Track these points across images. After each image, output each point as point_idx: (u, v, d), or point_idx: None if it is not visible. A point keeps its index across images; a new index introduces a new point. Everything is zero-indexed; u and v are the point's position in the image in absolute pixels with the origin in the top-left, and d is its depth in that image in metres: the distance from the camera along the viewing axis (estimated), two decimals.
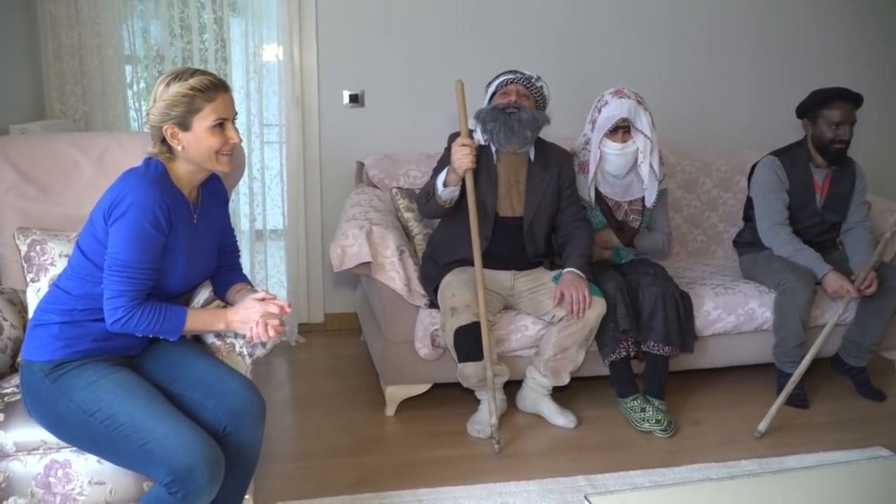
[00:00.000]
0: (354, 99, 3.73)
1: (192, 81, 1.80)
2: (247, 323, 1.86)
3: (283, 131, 3.64)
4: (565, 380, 2.88)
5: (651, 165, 3.00)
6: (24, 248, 2.25)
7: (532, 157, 2.89)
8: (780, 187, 3.16)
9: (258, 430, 1.86)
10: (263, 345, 1.97)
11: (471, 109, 2.71)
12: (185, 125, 1.81)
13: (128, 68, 3.52)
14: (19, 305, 2.26)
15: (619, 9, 3.86)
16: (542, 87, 2.86)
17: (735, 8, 3.98)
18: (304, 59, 3.63)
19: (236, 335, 1.98)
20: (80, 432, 1.72)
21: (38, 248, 2.24)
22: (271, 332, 1.86)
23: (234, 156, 2.58)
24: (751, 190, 3.29)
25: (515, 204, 2.87)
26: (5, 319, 2.14)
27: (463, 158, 2.61)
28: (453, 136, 2.87)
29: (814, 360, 2.88)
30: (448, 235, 2.90)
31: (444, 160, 2.84)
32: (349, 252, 2.84)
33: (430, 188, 2.79)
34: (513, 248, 2.88)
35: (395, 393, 2.96)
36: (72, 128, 3.30)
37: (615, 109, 2.94)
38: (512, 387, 2.93)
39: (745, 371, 3.28)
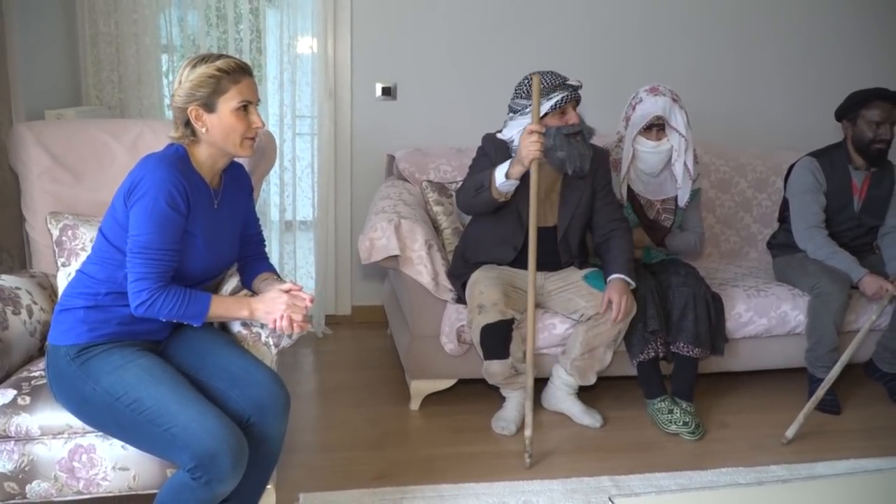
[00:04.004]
0: (387, 91, 3.72)
1: (219, 63, 1.82)
2: (271, 314, 1.86)
3: (316, 123, 3.65)
4: (592, 379, 2.85)
5: (685, 164, 2.95)
6: (55, 233, 2.28)
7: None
8: (818, 189, 3.09)
9: (282, 422, 1.86)
10: (289, 336, 1.96)
11: (499, 100, 2.63)
12: (209, 106, 1.81)
13: (164, 57, 3.55)
14: (50, 289, 2.29)
15: (654, 4, 3.81)
16: (575, 84, 2.70)
17: (773, 5, 3.90)
18: (338, 51, 3.63)
19: (262, 325, 1.97)
20: (105, 416, 1.73)
21: (69, 232, 2.26)
22: (295, 327, 1.86)
23: (265, 145, 2.62)
24: (787, 191, 3.23)
25: (549, 214, 2.79)
26: (35, 303, 2.16)
27: (531, 146, 2.47)
28: (489, 138, 2.83)
29: (846, 365, 2.81)
30: (484, 236, 2.84)
31: (482, 165, 2.76)
32: (377, 244, 2.84)
33: (482, 180, 2.64)
34: (545, 255, 2.78)
35: (420, 387, 2.95)
36: (107, 114, 3.34)
37: (650, 107, 2.89)
38: (538, 385, 2.90)
39: (776, 375, 3.22)
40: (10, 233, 2.64)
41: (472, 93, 3.68)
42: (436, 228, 3.14)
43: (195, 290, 1.83)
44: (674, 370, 2.88)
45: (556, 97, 2.61)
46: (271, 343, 1.98)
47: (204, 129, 1.84)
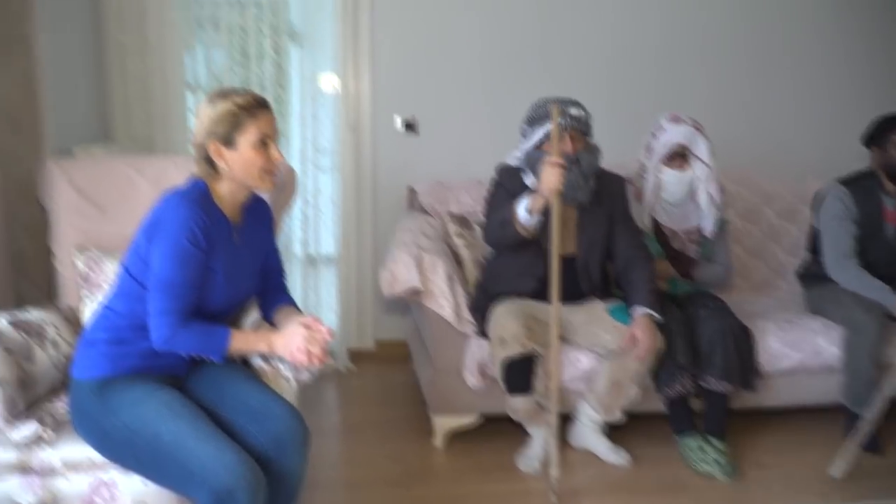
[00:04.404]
0: (408, 125, 3.73)
1: (237, 99, 1.82)
2: (289, 347, 1.84)
3: (338, 157, 3.66)
4: (619, 416, 2.78)
5: (709, 193, 2.91)
6: (81, 266, 2.29)
7: None
8: (848, 217, 3.02)
9: (300, 457, 1.83)
10: (310, 371, 1.94)
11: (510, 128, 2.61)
12: (229, 142, 1.82)
13: (189, 95, 3.60)
14: (75, 323, 2.29)
15: (673, 34, 3.80)
16: (580, 115, 2.67)
17: (790, 32, 3.87)
18: (360, 86, 3.65)
19: (282, 359, 1.95)
20: (124, 450, 1.72)
21: (94, 266, 2.27)
22: (315, 360, 1.84)
23: (286, 179, 2.62)
24: (816, 220, 3.16)
25: (568, 242, 2.74)
26: (60, 336, 2.16)
27: (553, 178, 2.45)
28: (506, 171, 2.83)
29: (887, 400, 2.71)
30: (505, 268, 2.82)
31: (499, 196, 2.75)
32: (399, 277, 2.82)
33: (505, 215, 2.62)
34: (566, 285, 2.75)
35: (444, 423, 2.90)
36: (134, 150, 3.39)
37: (672, 135, 2.87)
38: (564, 422, 2.83)
39: (813, 412, 3.11)
40: (38, 266, 2.67)
41: (493, 125, 3.68)
42: (457, 261, 3.12)
43: (215, 325, 1.82)
44: (704, 407, 2.80)
45: (549, 126, 2.59)
46: (291, 378, 1.96)
47: (224, 165, 1.84)
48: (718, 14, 3.82)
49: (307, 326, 1.85)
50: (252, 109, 1.83)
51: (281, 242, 2.33)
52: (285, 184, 2.62)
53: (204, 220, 1.78)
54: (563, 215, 2.73)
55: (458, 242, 3.16)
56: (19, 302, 2.55)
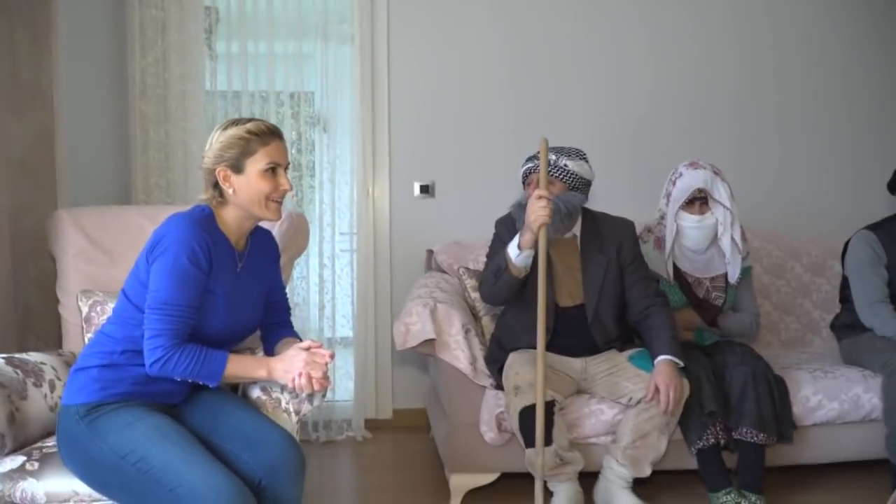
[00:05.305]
0: (425, 189, 3.74)
1: (249, 125, 1.84)
2: (289, 372, 1.77)
3: (355, 221, 3.66)
4: (647, 471, 2.60)
5: (733, 238, 2.82)
6: (85, 310, 2.27)
7: (579, 241, 2.73)
8: (878, 262, 2.91)
9: (296, 486, 1.73)
10: (310, 400, 1.86)
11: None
12: (237, 168, 1.82)
13: None
14: None
15: (695, 93, 3.80)
16: (565, 166, 2.63)
17: (818, 93, 3.86)
18: (377, 152, 3.68)
19: (282, 389, 1.88)
20: (111, 477, 1.64)
21: (98, 308, 2.25)
22: (315, 385, 1.76)
23: (297, 227, 2.61)
24: (845, 268, 3.05)
25: (574, 292, 2.69)
26: (59, 378, 2.11)
27: (540, 211, 2.41)
28: (502, 222, 2.80)
29: None
30: (514, 323, 2.74)
31: (496, 247, 2.75)
32: (413, 329, 2.74)
33: (499, 263, 2.61)
34: (580, 338, 2.68)
35: (460, 482, 2.74)
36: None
37: (691, 180, 2.81)
38: (589, 479, 2.66)
39: (856, 467, 2.90)
40: (45, 320, 2.65)
41: (511, 185, 3.67)
42: (474, 315, 3.04)
43: (211, 349, 1.76)
44: (739, 460, 2.62)
45: (524, 168, 2.72)
46: (292, 410, 1.88)
47: (231, 191, 1.84)
48: (744, 73, 3.83)
49: (307, 350, 1.78)
50: (263, 136, 1.84)
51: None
52: (297, 231, 2.62)
53: (206, 241, 1.76)
54: (568, 264, 2.70)
55: (475, 296, 3.09)
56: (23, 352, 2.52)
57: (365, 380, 3.68)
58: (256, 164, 1.82)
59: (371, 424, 3.69)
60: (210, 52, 3.69)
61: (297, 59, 3.63)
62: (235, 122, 1.86)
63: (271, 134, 1.85)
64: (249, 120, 1.87)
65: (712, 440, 2.57)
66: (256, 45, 3.57)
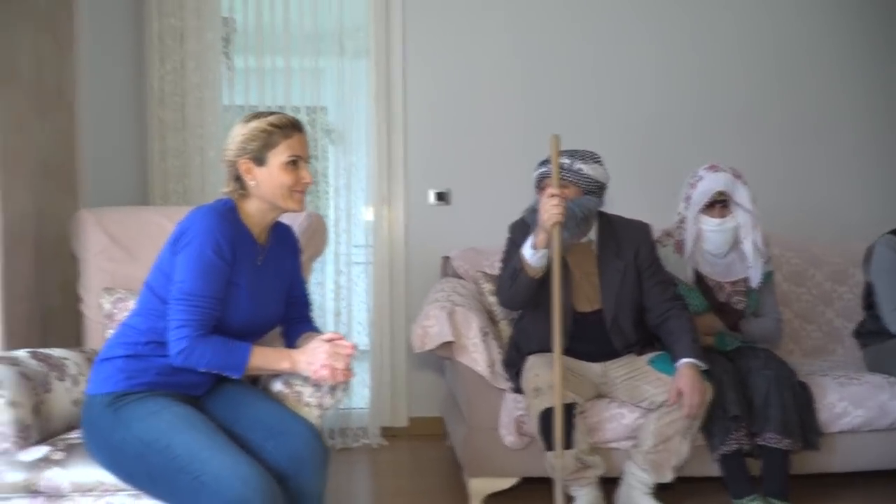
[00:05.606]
0: (441, 197, 3.74)
1: (271, 118, 1.85)
2: (312, 364, 1.77)
3: (370, 228, 3.66)
4: (669, 476, 2.56)
5: (754, 242, 2.80)
6: (107, 307, 2.27)
7: (596, 246, 2.71)
8: None
9: (319, 478, 1.71)
10: (332, 393, 1.84)
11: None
12: (260, 160, 1.82)
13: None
14: None
15: (706, 100, 3.80)
16: (580, 169, 2.59)
17: (827, 97, 3.85)
18: (392, 159, 3.68)
19: (304, 383, 1.86)
20: (136, 465, 1.63)
21: (120, 304, 2.25)
22: (339, 376, 1.75)
23: (315, 228, 2.61)
24: (869, 274, 3.01)
25: (591, 296, 2.67)
26: (82, 374, 2.10)
27: (552, 210, 2.40)
28: (516, 226, 2.79)
29: None
30: (532, 328, 2.71)
31: (511, 251, 2.72)
32: (430, 332, 2.73)
33: (514, 266, 2.60)
34: (598, 343, 2.66)
35: (479, 487, 2.70)
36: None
37: (711, 183, 2.79)
38: (610, 486, 2.63)
39: (884, 475, 2.85)
40: (67, 322, 2.65)
41: (525, 191, 3.66)
42: (491, 319, 3.02)
43: (235, 340, 1.76)
44: (763, 466, 2.58)
45: (536, 173, 2.66)
46: (313, 404, 1.86)
47: (253, 183, 1.84)
48: (755, 78, 3.83)
49: (330, 342, 1.77)
50: (285, 129, 1.85)
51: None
52: (315, 231, 2.62)
53: (230, 233, 1.76)
54: (585, 269, 2.68)
55: (492, 300, 3.07)
56: None
57: (381, 387, 3.66)
58: (279, 156, 1.83)
59: (387, 432, 3.67)
60: (227, 62, 3.73)
61: (314, 73, 3.66)
62: (258, 115, 1.86)
63: (293, 127, 1.86)
64: (271, 113, 1.88)
65: (735, 445, 2.53)
66: (273, 60, 3.61)
